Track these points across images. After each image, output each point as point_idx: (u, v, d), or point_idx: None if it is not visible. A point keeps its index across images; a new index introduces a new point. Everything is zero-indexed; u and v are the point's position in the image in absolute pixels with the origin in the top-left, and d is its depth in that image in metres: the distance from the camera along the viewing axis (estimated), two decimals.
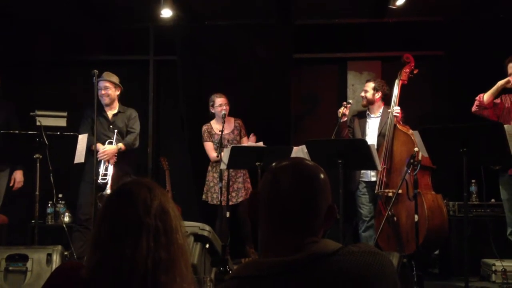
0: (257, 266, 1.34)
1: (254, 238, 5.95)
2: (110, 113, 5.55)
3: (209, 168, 6.01)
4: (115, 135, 5.42)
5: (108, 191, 5.25)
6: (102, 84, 5.48)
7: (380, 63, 6.81)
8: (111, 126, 5.49)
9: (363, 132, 5.56)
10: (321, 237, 1.41)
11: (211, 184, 5.96)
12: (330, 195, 1.43)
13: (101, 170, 5.32)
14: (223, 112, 5.66)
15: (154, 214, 1.49)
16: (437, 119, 6.58)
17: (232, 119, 5.93)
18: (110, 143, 5.41)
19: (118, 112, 5.59)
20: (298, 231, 1.38)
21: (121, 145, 5.46)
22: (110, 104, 5.55)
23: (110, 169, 5.35)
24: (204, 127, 5.97)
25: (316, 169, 1.44)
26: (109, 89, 5.50)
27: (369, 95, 5.58)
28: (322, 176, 1.43)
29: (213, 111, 5.96)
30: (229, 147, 5.22)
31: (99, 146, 5.34)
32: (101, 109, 5.50)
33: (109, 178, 5.31)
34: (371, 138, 5.43)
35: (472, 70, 6.23)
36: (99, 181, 5.26)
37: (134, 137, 5.60)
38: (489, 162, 4.62)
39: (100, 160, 5.30)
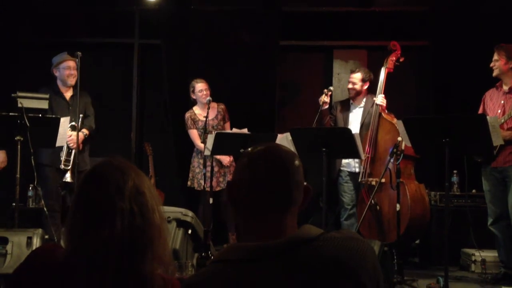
0: (238, 250, 1.34)
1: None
2: (67, 94, 5.40)
3: (194, 154, 5.97)
4: (80, 119, 5.22)
5: (68, 178, 5.19)
6: (71, 63, 5.32)
7: (366, 52, 6.82)
8: (70, 108, 5.32)
9: (346, 122, 5.56)
10: (296, 218, 1.42)
11: (197, 170, 5.91)
12: (303, 177, 1.44)
13: (64, 155, 5.20)
14: (208, 98, 5.62)
15: (128, 196, 1.48)
16: (420, 109, 6.63)
17: (215, 104, 5.88)
18: (73, 127, 5.20)
19: (74, 94, 5.37)
20: (277, 214, 1.39)
21: (85, 131, 5.35)
22: (72, 85, 5.39)
23: (72, 155, 5.21)
24: (187, 114, 5.91)
25: (289, 153, 1.46)
26: (75, 70, 5.30)
27: (357, 87, 5.53)
28: (295, 159, 1.45)
29: (194, 97, 5.91)
30: (214, 133, 5.20)
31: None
32: (57, 90, 5.38)
33: (70, 164, 5.19)
34: (354, 127, 5.43)
35: (457, 60, 6.28)
36: (61, 167, 5.19)
37: (93, 120, 5.51)
38: (472, 153, 4.66)
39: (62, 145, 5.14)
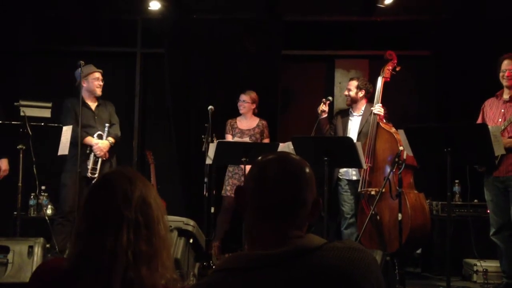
0: (241, 259, 1.34)
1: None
2: (92, 105, 5.49)
3: None
4: (106, 129, 5.41)
5: None
6: (99, 74, 5.47)
7: (368, 62, 6.82)
8: (96, 118, 5.45)
9: (345, 130, 5.59)
10: (305, 231, 1.41)
11: (226, 177, 5.97)
12: (315, 189, 1.43)
13: (90, 164, 5.28)
14: (210, 107, 5.58)
15: (134, 207, 1.50)
16: (422, 118, 6.63)
17: (257, 119, 6.03)
18: (100, 136, 5.38)
19: (99, 104, 5.54)
20: (284, 224, 1.39)
21: (111, 139, 5.45)
22: (99, 96, 5.52)
23: (99, 163, 5.33)
24: (228, 121, 6.03)
25: (302, 163, 1.44)
26: (102, 81, 5.50)
27: (352, 93, 5.59)
28: (307, 170, 1.43)
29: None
30: (216, 142, 5.17)
31: (91, 140, 5.31)
32: (83, 101, 5.40)
33: (97, 173, 5.28)
34: (353, 136, 5.43)
35: (458, 70, 6.29)
36: (88, 175, 5.24)
37: (118, 128, 5.63)
38: (473, 162, 4.65)
39: (90, 153, 5.27)
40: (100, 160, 5.33)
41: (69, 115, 5.33)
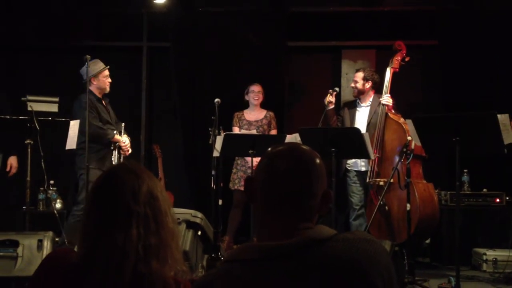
0: (251, 250, 1.33)
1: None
2: (104, 101, 5.47)
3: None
4: (122, 127, 5.41)
5: None
6: (108, 72, 5.39)
7: (375, 52, 6.79)
8: (110, 115, 5.43)
9: (352, 121, 5.56)
10: (315, 222, 1.40)
11: (234, 171, 5.99)
12: (325, 180, 1.42)
13: (116, 160, 5.28)
14: (216, 99, 5.54)
15: (143, 201, 1.50)
16: (428, 108, 6.60)
17: (264, 110, 6.02)
18: (119, 133, 5.38)
19: (107, 101, 5.51)
20: (293, 215, 1.38)
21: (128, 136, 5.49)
22: (107, 93, 5.47)
23: (122, 160, 5.36)
24: (235, 113, 6.03)
25: (312, 154, 1.43)
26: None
27: (359, 85, 5.56)
28: (318, 161, 1.42)
29: (246, 98, 6.02)
30: (223, 134, 5.17)
31: (119, 138, 5.32)
32: (97, 98, 5.37)
33: None
34: (361, 127, 5.41)
35: (465, 60, 6.25)
36: None
37: None
38: (482, 151, 4.62)
39: (113, 150, 5.28)
40: (122, 157, 5.35)
41: (92, 110, 5.17)
